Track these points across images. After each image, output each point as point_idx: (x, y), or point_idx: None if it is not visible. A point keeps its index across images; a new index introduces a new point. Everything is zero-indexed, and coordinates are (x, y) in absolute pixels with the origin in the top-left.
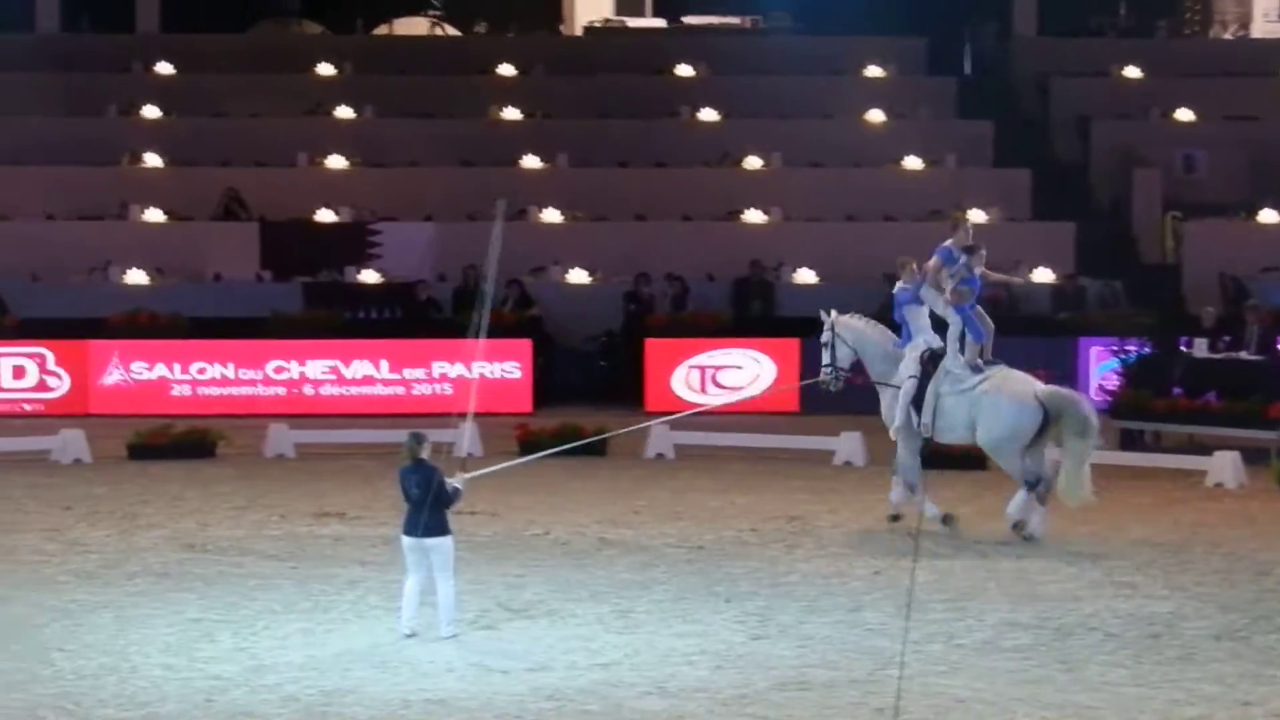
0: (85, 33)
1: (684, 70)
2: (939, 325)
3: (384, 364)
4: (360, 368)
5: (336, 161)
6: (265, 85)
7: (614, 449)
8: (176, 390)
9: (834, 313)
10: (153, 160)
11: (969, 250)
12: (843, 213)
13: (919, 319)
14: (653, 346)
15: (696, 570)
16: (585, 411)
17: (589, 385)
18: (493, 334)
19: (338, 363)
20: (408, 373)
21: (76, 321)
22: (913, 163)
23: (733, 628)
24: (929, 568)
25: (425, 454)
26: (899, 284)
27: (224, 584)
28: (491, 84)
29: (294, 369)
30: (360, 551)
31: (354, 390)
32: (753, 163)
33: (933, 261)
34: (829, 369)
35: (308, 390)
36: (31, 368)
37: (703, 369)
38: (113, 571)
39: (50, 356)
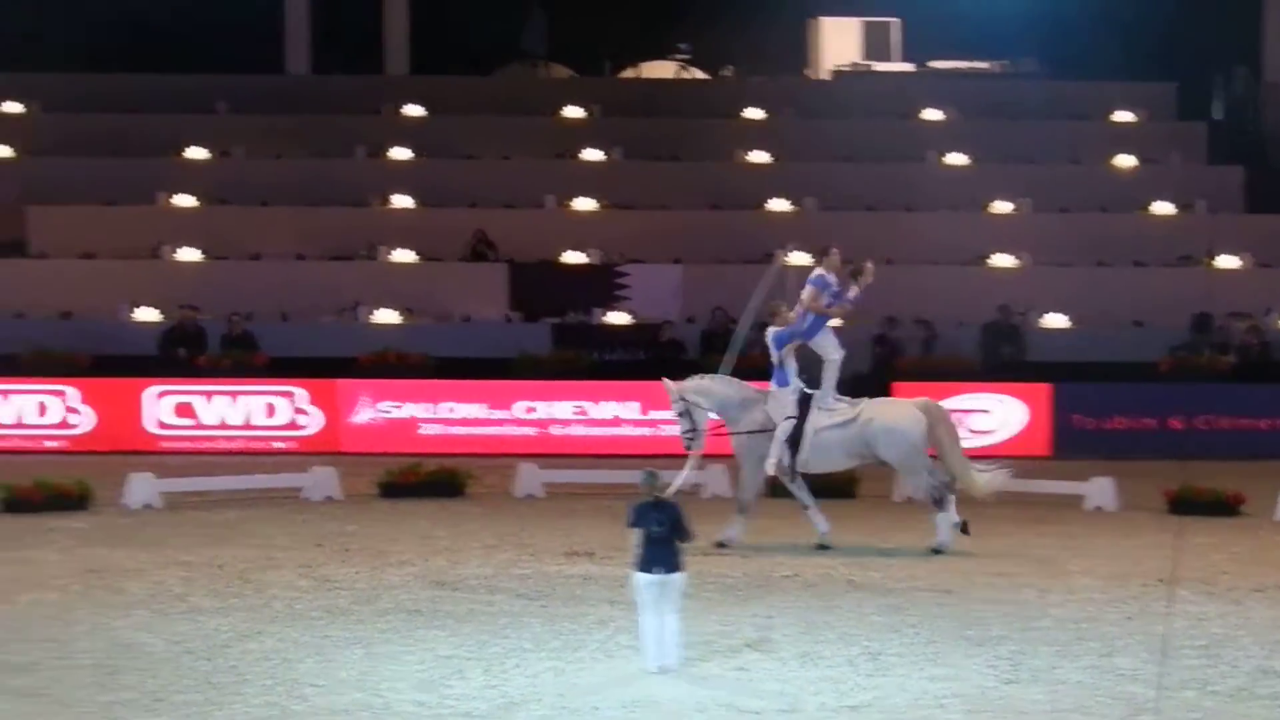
0: (335, 75)
1: (931, 114)
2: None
3: (632, 405)
4: (608, 408)
5: (584, 204)
6: (513, 128)
7: (864, 491)
8: (426, 429)
9: (673, 383)
10: (401, 201)
11: (839, 275)
12: (1092, 258)
13: (792, 360)
14: (901, 390)
15: (947, 613)
16: None
17: None
18: (742, 376)
19: (586, 403)
20: (655, 414)
21: (326, 360)
22: (1163, 208)
23: (984, 672)
24: (1182, 613)
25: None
26: (772, 328)
27: (474, 621)
28: (739, 127)
29: (542, 409)
30: (609, 591)
31: (601, 431)
32: (1001, 207)
33: (807, 292)
34: (689, 433)
35: (555, 430)
36: (283, 406)
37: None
38: (364, 608)
39: (301, 395)
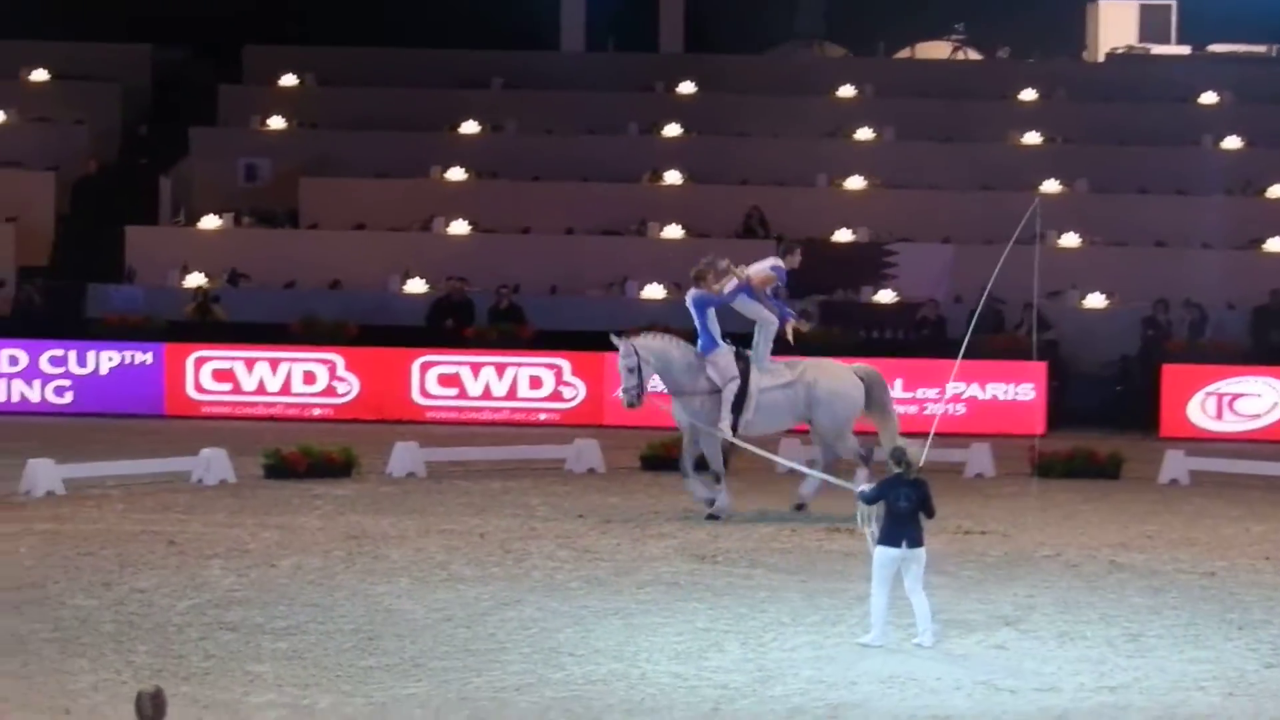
0: (609, 52)
1: (1208, 98)
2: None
3: (898, 382)
4: None
5: (855, 182)
6: (786, 106)
7: (1128, 473)
8: None
9: (628, 337)
10: (672, 178)
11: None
12: None
13: (714, 323)
14: (1170, 372)
15: (1209, 596)
16: (1098, 435)
17: (1102, 409)
18: (1008, 356)
19: None
20: (921, 392)
21: (593, 334)
22: None
23: (1245, 655)
24: None
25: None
26: (695, 290)
27: (733, 595)
28: (1012, 108)
29: None
30: (869, 567)
31: None
32: (1276, 191)
33: (767, 274)
34: (635, 389)
35: None
36: (548, 378)
37: (1220, 396)
38: (623, 579)
39: (567, 367)
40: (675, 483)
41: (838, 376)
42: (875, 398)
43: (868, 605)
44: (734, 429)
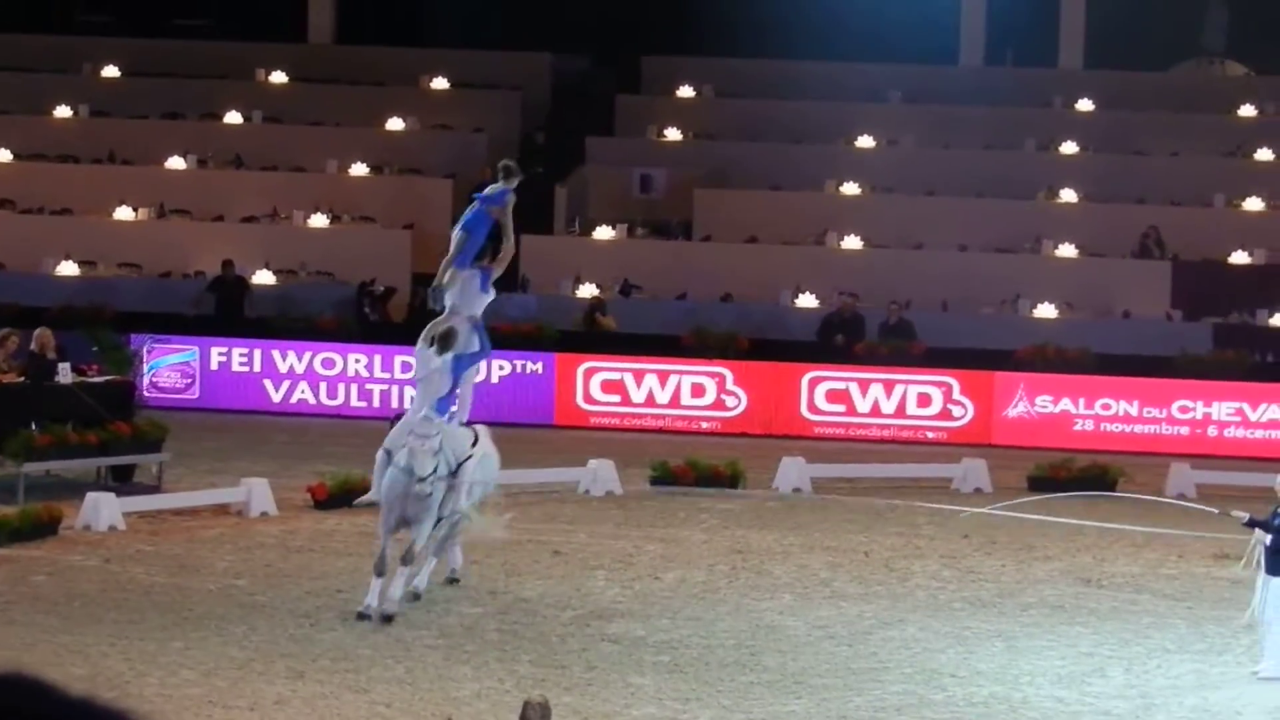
0: (1008, 67)
1: None
2: None
3: None
4: (1268, 411)
5: (1254, 204)
6: (1186, 125)
7: None
8: (1079, 425)
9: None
10: (1068, 196)
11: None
12: None
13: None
14: None
15: None
16: None
17: None
18: None
19: (1244, 404)
20: None
21: (983, 352)
22: None
23: None
24: None
25: None
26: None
27: (1118, 620)
28: None
29: (1199, 409)
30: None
31: (1259, 433)
32: None
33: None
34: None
35: (1211, 431)
36: (937, 396)
37: None
38: (1007, 601)
39: (956, 385)
40: (1064, 506)
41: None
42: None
43: (1258, 634)
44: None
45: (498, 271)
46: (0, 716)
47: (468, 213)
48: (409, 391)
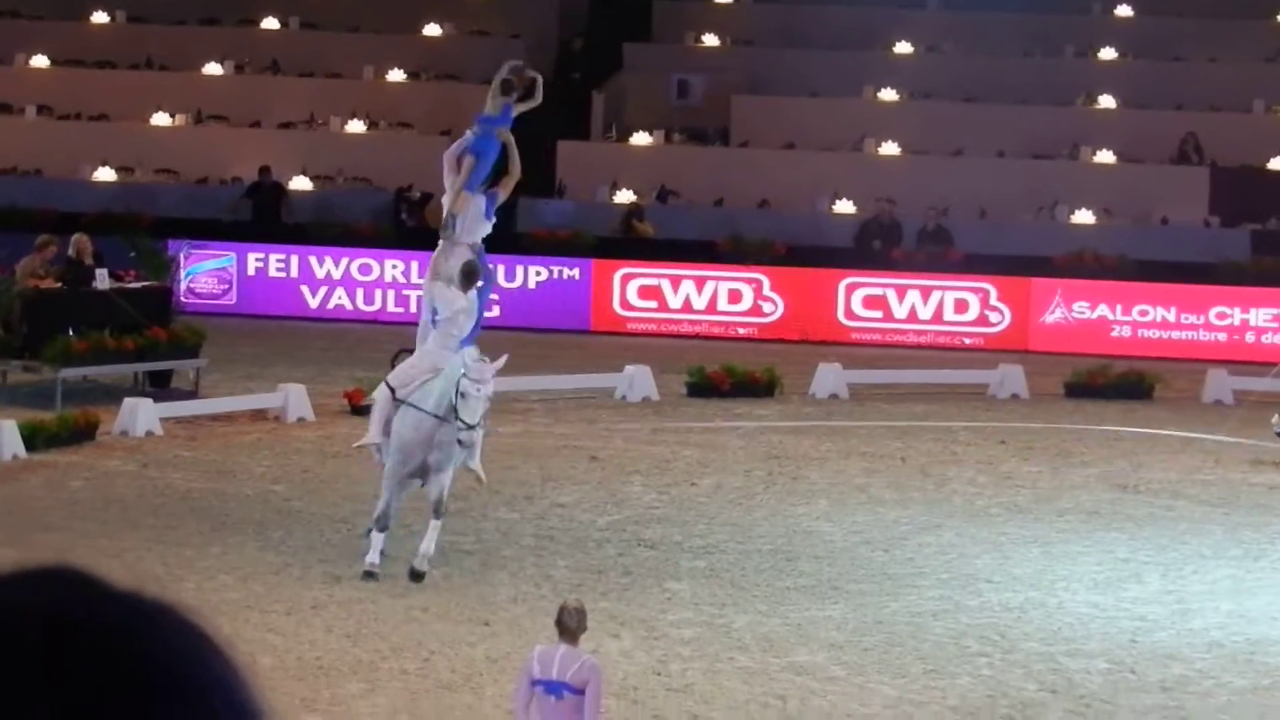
0: None
1: None
2: None
3: None
4: None
5: None
6: (1225, 30)
7: None
8: (1116, 331)
9: None
10: (1107, 102)
11: None
12: None
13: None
14: None
15: None
16: None
17: None
18: None
19: None
20: None
21: (1021, 259)
22: None
23: None
24: None
25: None
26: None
27: (1154, 526)
28: None
29: (1236, 316)
30: None
31: None
32: None
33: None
34: None
35: (1249, 337)
36: (974, 302)
37: None
38: (1043, 507)
39: (993, 292)
40: (1100, 410)
41: None
42: None
43: None
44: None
45: (503, 196)
46: (47, 608)
47: (471, 136)
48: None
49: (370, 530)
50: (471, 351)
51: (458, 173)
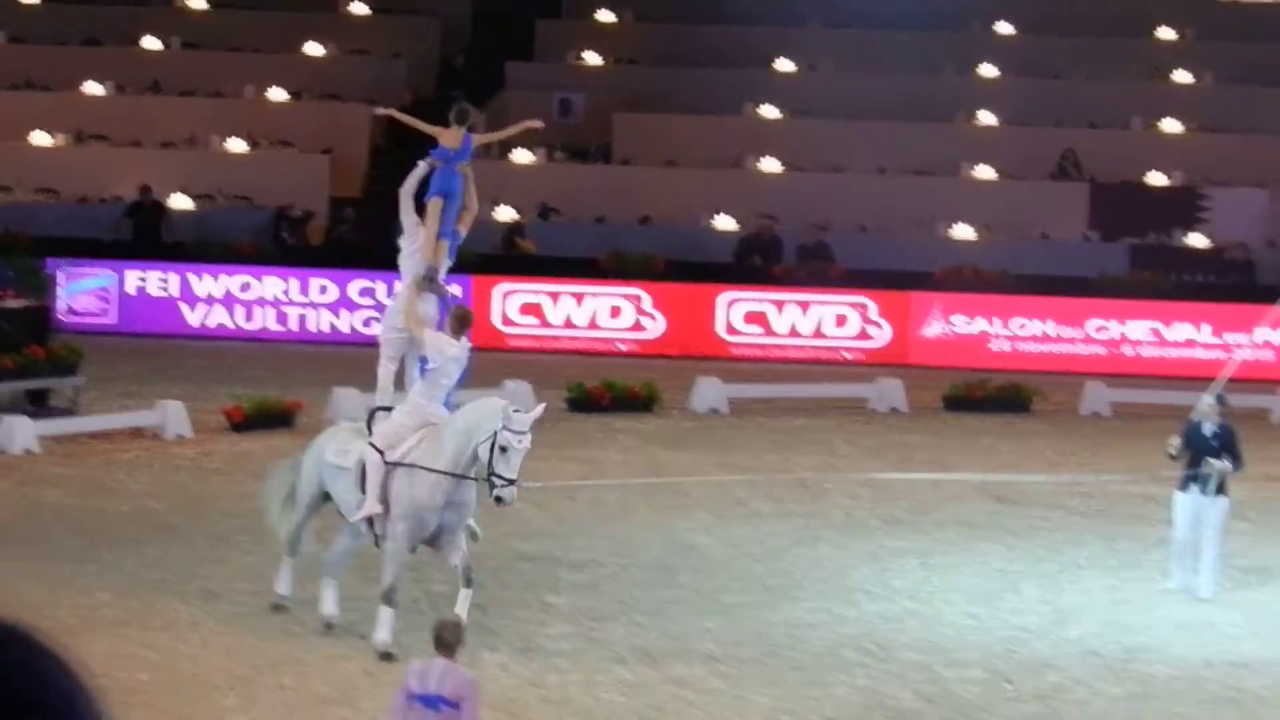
0: None
1: None
2: None
3: (1205, 327)
4: (1182, 330)
5: (1171, 126)
6: (1105, 48)
7: None
8: (995, 345)
9: None
10: (987, 119)
11: None
12: None
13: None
14: None
15: None
16: None
17: None
18: None
19: (1159, 324)
20: (1229, 337)
21: (901, 274)
22: None
23: None
24: None
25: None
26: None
27: (1031, 537)
28: None
29: (1114, 329)
30: (1169, 511)
31: (1174, 352)
32: None
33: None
34: None
35: (1127, 350)
36: (854, 317)
37: None
38: (921, 519)
39: (873, 306)
40: (978, 423)
41: None
42: None
43: (1167, 550)
44: None
45: (464, 234)
46: None
47: (426, 167)
48: (326, 315)
49: (380, 606)
50: (503, 403)
51: (420, 216)
